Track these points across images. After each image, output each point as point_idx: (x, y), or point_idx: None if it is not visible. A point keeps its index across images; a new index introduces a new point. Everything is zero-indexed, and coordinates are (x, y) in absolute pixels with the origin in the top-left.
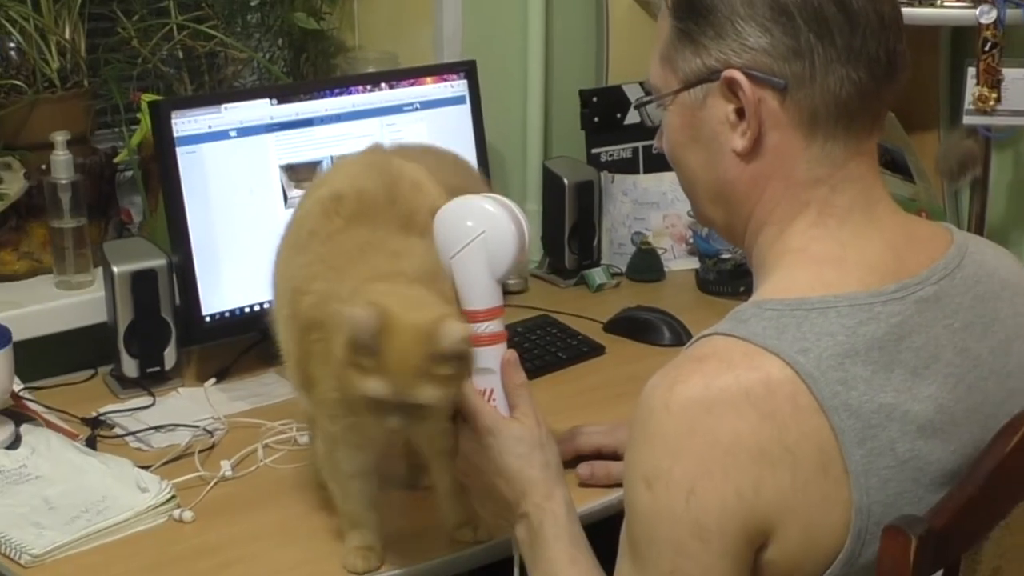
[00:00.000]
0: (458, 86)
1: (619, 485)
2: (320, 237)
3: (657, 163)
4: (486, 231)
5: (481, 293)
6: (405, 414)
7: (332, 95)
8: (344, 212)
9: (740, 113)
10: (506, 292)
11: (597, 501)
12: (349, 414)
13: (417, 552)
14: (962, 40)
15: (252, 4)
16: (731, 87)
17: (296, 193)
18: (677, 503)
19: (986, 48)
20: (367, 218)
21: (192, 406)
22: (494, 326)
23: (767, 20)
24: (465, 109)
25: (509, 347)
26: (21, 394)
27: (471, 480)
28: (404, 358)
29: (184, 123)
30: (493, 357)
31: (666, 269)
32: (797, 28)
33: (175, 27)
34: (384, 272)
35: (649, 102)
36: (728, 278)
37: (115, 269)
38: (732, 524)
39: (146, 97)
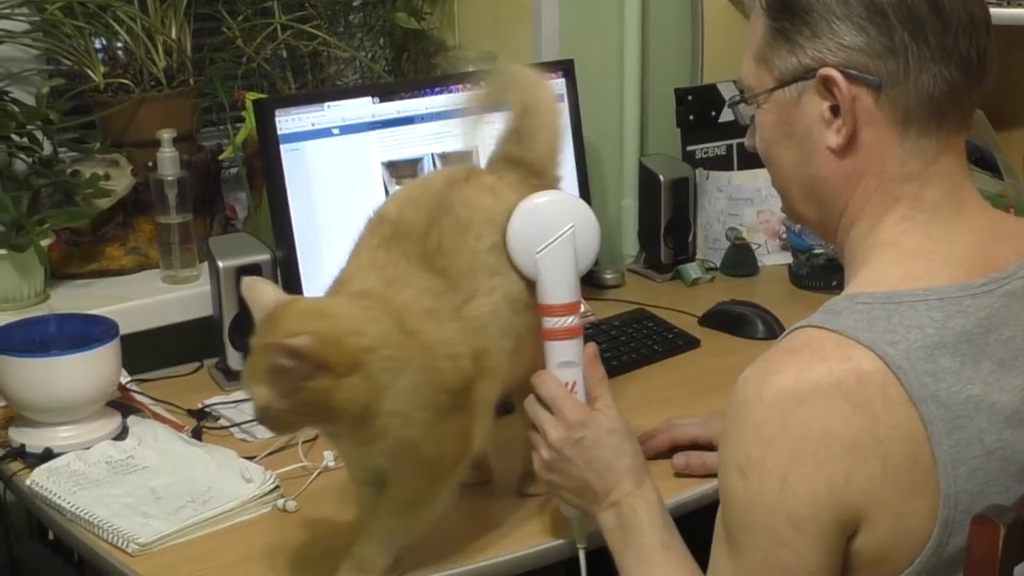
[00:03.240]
0: (556, 85)
1: (714, 475)
2: (354, 251)
3: (751, 160)
4: (576, 225)
5: (566, 287)
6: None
7: (432, 93)
8: (380, 233)
9: (835, 110)
10: (603, 286)
11: (692, 491)
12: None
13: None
14: None
15: (355, 4)
16: (827, 85)
17: (397, 189)
18: (771, 492)
19: None
20: (395, 244)
21: None
22: (574, 320)
23: (862, 19)
24: (563, 107)
25: (603, 341)
26: (128, 386)
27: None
28: (251, 359)
29: (288, 121)
30: (575, 350)
31: (760, 264)
32: (892, 27)
33: (279, 27)
34: (368, 290)
35: (743, 100)
36: (820, 273)
37: (220, 264)
38: (824, 513)
39: (250, 95)
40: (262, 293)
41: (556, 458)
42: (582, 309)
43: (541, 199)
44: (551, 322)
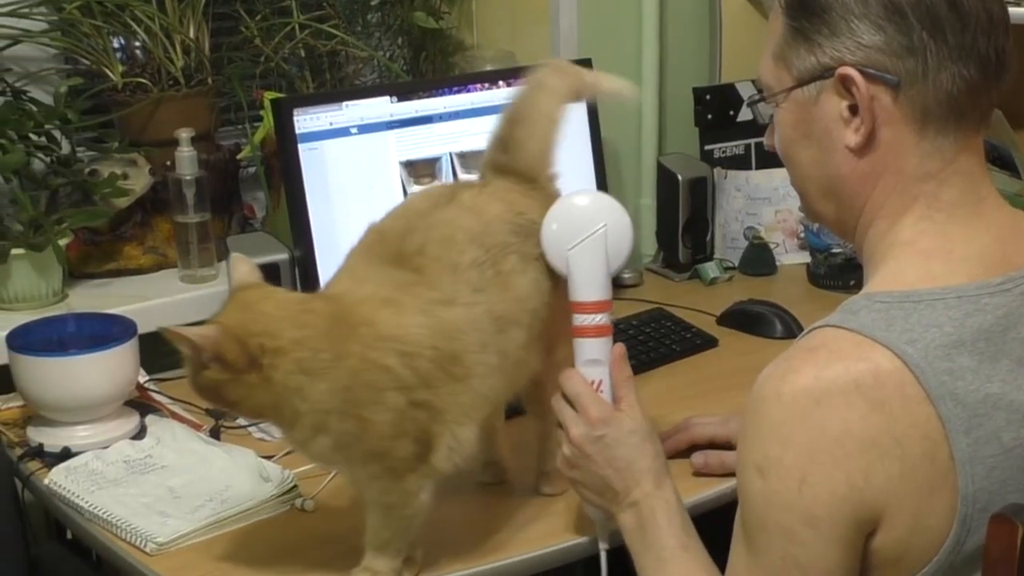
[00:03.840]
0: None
1: (732, 474)
2: (343, 262)
3: (769, 159)
4: (608, 225)
5: (595, 285)
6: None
7: (451, 93)
8: (365, 243)
9: (853, 110)
10: (621, 286)
11: (711, 490)
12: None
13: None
14: None
15: (373, 4)
16: (845, 84)
17: (415, 189)
18: (789, 491)
19: None
20: (375, 249)
21: None
22: (603, 318)
23: (881, 18)
24: (581, 106)
25: (622, 340)
26: (146, 386)
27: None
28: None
29: (306, 120)
30: (602, 349)
31: (778, 263)
32: (910, 26)
33: (297, 26)
34: (339, 292)
35: (762, 100)
36: (839, 272)
37: None
38: (842, 512)
39: (269, 95)
40: (235, 271)
41: (577, 455)
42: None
43: (578, 199)
44: (580, 319)
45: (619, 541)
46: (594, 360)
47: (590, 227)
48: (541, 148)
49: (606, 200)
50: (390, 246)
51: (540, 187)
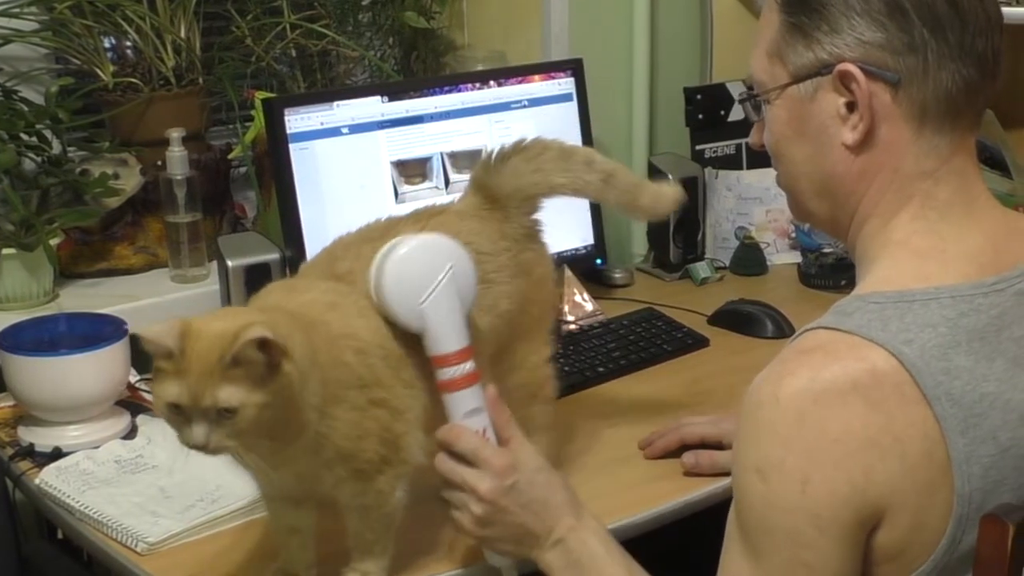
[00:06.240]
0: (565, 84)
1: (723, 475)
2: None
3: (760, 159)
4: (453, 264)
5: (456, 332)
6: (209, 423)
7: (442, 93)
8: (297, 273)
9: (851, 107)
10: (612, 285)
11: (701, 490)
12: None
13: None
14: None
15: (364, 3)
16: (844, 80)
17: (406, 188)
18: (792, 493)
19: None
20: (307, 275)
21: None
22: (471, 366)
23: (881, 15)
24: (572, 106)
25: (613, 340)
26: (137, 385)
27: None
28: (199, 360)
29: (297, 120)
30: (477, 396)
31: (769, 263)
32: (911, 23)
33: (288, 26)
34: (274, 302)
35: (756, 96)
36: (830, 272)
37: (229, 263)
38: (846, 511)
39: (260, 94)
40: (149, 345)
41: (490, 510)
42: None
43: (405, 248)
44: (449, 372)
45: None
46: (474, 409)
47: (437, 273)
48: (527, 196)
49: (439, 240)
50: (322, 270)
51: (503, 212)
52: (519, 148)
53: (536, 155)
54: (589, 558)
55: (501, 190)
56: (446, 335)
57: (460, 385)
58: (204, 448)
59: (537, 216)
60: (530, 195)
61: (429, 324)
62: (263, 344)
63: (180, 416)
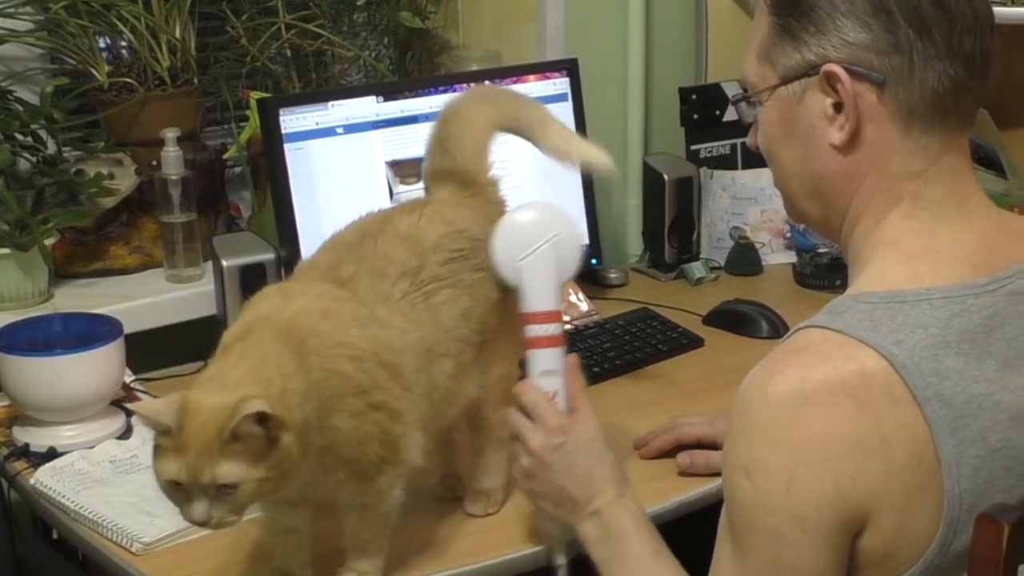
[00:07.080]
0: (560, 84)
1: (718, 474)
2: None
3: (755, 159)
4: (560, 234)
5: (547, 295)
6: (210, 499)
7: (437, 93)
8: (297, 271)
9: (838, 107)
10: (607, 285)
11: (696, 490)
12: None
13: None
14: None
15: (358, 3)
16: (830, 81)
17: (401, 188)
18: (777, 492)
19: None
20: (307, 278)
21: None
22: (556, 328)
23: (867, 15)
24: (567, 106)
25: (608, 340)
26: (132, 385)
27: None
28: (197, 437)
29: (292, 120)
30: (556, 359)
31: (764, 263)
32: (896, 23)
33: (283, 26)
34: (267, 311)
35: (747, 98)
36: (825, 272)
37: (224, 263)
38: (830, 513)
39: (255, 94)
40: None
41: (536, 464)
42: (583, 311)
43: (526, 213)
44: (534, 330)
45: (576, 553)
46: (549, 371)
47: (541, 237)
48: (477, 146)
49: (557, 210)
50: (322, 272)
51: (481, 193)
52: (442, 121)
53: (459, 112)
54: (619, 534)
55: (462, 158)
56: (536, 294)
57: (542, 344)
58: (206, 525)
59: (495, 176)
60: (483, 146)
61: (524, 281)
62: (261, 418)
63: (181, 493)
